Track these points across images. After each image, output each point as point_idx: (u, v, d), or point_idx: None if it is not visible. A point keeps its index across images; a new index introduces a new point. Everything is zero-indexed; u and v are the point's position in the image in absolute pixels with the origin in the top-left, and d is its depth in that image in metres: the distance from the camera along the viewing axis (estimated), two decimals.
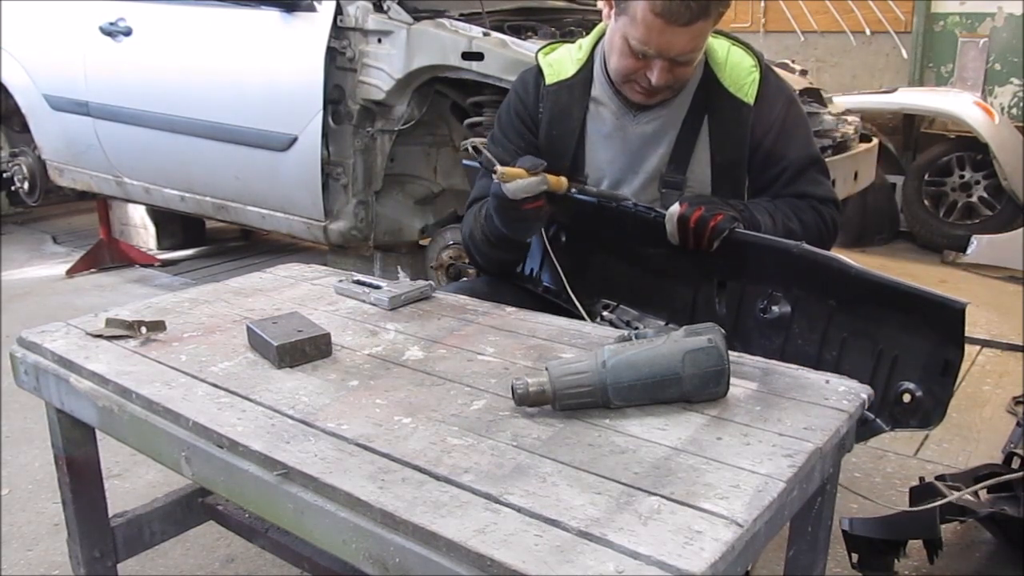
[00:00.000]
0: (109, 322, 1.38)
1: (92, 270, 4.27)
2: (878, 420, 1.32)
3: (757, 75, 1.57)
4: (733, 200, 1.54)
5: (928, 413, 1.29)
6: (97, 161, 3.99)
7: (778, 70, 1.77)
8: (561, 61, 1.67)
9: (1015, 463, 2.01)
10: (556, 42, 1.75)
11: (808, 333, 1.41)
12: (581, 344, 1.35)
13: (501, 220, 1.55)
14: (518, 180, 1.44)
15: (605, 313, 1.66)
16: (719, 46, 1.59)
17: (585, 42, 1.68)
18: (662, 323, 1.59)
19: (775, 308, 1.44)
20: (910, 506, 1.87)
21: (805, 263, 1.36)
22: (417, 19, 2.98)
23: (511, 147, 1.68)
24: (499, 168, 1.42)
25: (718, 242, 1.42)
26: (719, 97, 1.57)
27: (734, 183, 1.59)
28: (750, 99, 1.56)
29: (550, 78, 1.66)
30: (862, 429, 1.27)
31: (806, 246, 1.36)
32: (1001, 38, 5.52)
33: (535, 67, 1.70)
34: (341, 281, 1.62)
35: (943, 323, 1.24)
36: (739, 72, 1.57)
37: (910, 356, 1.29)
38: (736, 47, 1.60)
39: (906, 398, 1.30)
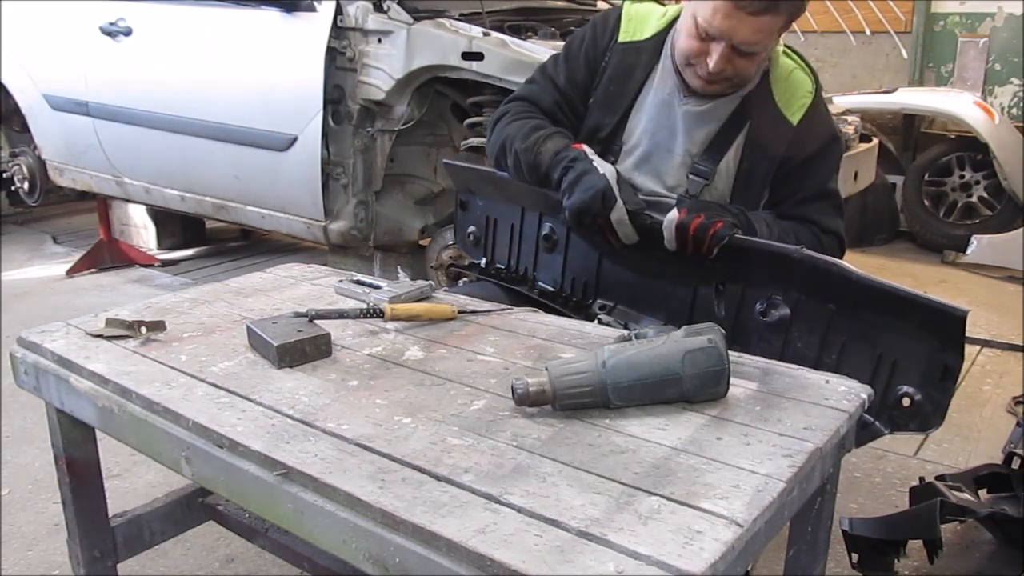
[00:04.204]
0: (109, 322, 1.38)
1: (92, 270, 4.27)
2: (877, 423, 1.32)
3: (809, 101, 1.58)
4: (730, 206, 1.54)
5: (927, 417, 1.29)
6: (97, 161, 3.99)
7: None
8: (642, 18, 1.66)
9: (1015, 463, 2.02)
10: None
11: (807, 336, 1.41)
12: (581, 344, 1.35)
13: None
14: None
15: (602, 316, 1.65)
16: (785, 64, 1.60)
17: (671, 10, 1.66)
18: (660, 322, 1.59)
19: (774, 311, 1.44)
20: (910, 506, 1.87)
21: (805, 268, 1.36)
22: (417, 19, 2.98)
23: (572, 68, 1.68)
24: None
25: (718, 249, 1.42)
26: (766, 108, 1.58)
27: (754, 195, 1.60)
28: (794, 119, 1.57)
29: (624, 35, 1.65)
30: (861, 433, 1.26)
31: (807, 251, 1.36)
32: (1001, 38, 5.52)
33: (619, 12, 1.68)
34: (341, 281, 1.62)
35: (943, 330, 1.24)
36: (794, 92, 1.58)
37: (909, 361, 1.29)
38: (801, 72, 1.60)
39: (905, 402, 1.30)
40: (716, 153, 1.60)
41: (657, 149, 1.64)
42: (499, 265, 1.88)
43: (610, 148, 1.66)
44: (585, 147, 1.54)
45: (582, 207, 1.48)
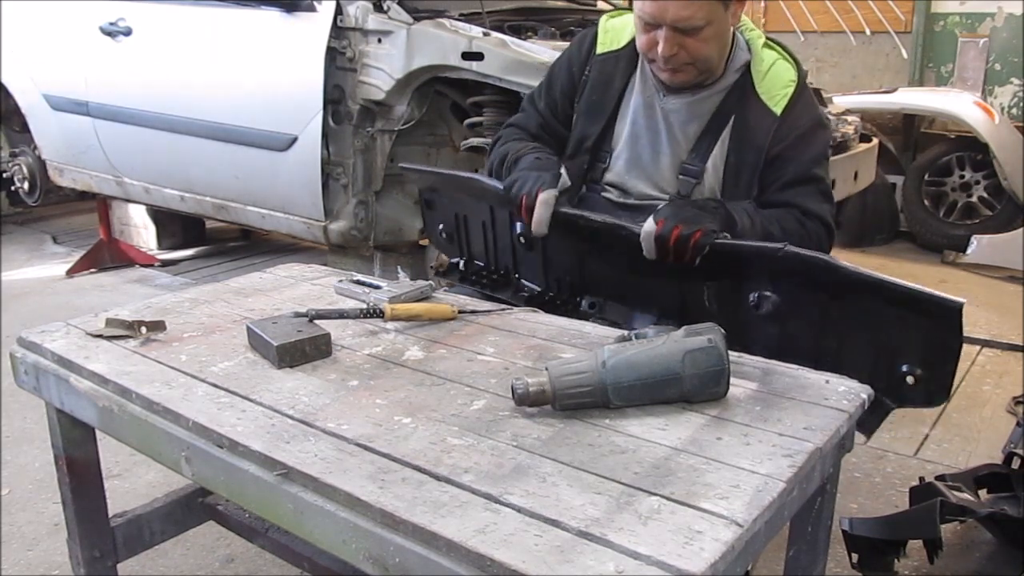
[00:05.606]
0: (109, 322, 1.38)
1: (92, 270, 4.27)
2: (886, 400, 1.31)
3: (791, 90, 1.58)
4: (709, 200, 1.52)
5: (932, 393, 1.29)
6: (97, 161, 3.99)
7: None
8: (618, 29, 1.70)
9: (1015, 463, 2.02)
10: (626, 9, 1.75)
11: (804, 325, 1.39)
12: (581, 344, 1.35)
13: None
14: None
15: (592, 313, 1.64)
16: (767, 56, 1.61)
17: None
18: (652, 317, 1.58)
19: (767, 303, 1.41)
20: (910, 506, 1.87)
21: (791, 264, 1.34)
22: (417, 19, 2.98)
23: (554, 92, 1.75)
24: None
25: (700, 258, 1.39)
26: (750, 101, 1.58)
27: (743, 188, 1.59)
28: (778, 110, 1.57)
29: (601, 47, 1.70)
30: (871, 414, 1.25)
31: (791, 248, 1.33)
32: (1001, 38, 5.52)
33: (596, 29, 1.73)
34: (341, 281, 1.63)
35: (939, 321, 1.23)
36: (776, 83, 1.58)
37: (908, 346, 1.28)
38: (784, 62, 1.61)
39: (909, 380, 1.29)
40: (704, 151, 1.61)
41: (645, 151, 1.65)
42: (478, 262, 1.86)
43: (598, 155, 1.69)
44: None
45: (520, 177, 1.53)
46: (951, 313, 1.21)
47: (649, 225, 1.41)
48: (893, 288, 1.25)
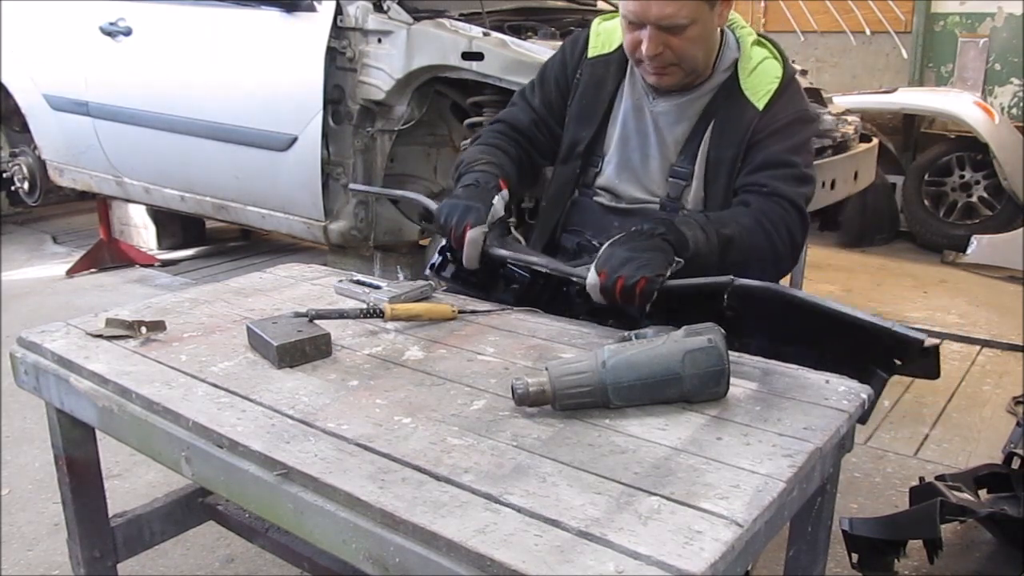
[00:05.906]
0: (109, 322, 1.38)
1: (92, 270, 4.27)
2: (878, 371, 1.29)
3: (776, 86, 1.57)
4: (657, 225, 1.43)
5: (924, 372, 1.29)
6: (97, 161, 3.99)
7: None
8: (609, 32, 1.70)
9: (1015, 463, 2.02)
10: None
11: (782, 317, 1.38)
12: (581, 344, 1.35)
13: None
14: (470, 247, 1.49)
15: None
16: (756, 55, 1.60)
17: None
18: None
19: (738, 303, 1.37)
20: (910, 506, 1.87)
21: (742, 293, 1.31)
22: (417, 19, 2.98)
23: (549, 89, 1.74)
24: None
25: (650, 304, 1.35)
26: (734, 99, 1.58)
27: (723, 184, 1.58)
28: (760, 104, 1.56)
29: (593, 50, 1.70)
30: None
31: (739, 282, 1.29)
32: (1001, 38, 5.52)
33: (588, 31, 1.73)
34: (341, 281, 1.63)
35: (906, 352, 1.23)
36: (761, 79, 1.58)
37: (887, 344, 1.27)
38: (772, 60, 1.60)
39: (898, 362, 1.29)
40: (693, 153, 1.60)
41: (634, 155, 1.65)
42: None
43: (590, 159, 1.69)
44: (504, 184, 1.59)
45: (450, 208, 1.51)
46: (914, 348, 1.20)
47: (592, 278, 1.36)
48: (844, 319, 1.22)
